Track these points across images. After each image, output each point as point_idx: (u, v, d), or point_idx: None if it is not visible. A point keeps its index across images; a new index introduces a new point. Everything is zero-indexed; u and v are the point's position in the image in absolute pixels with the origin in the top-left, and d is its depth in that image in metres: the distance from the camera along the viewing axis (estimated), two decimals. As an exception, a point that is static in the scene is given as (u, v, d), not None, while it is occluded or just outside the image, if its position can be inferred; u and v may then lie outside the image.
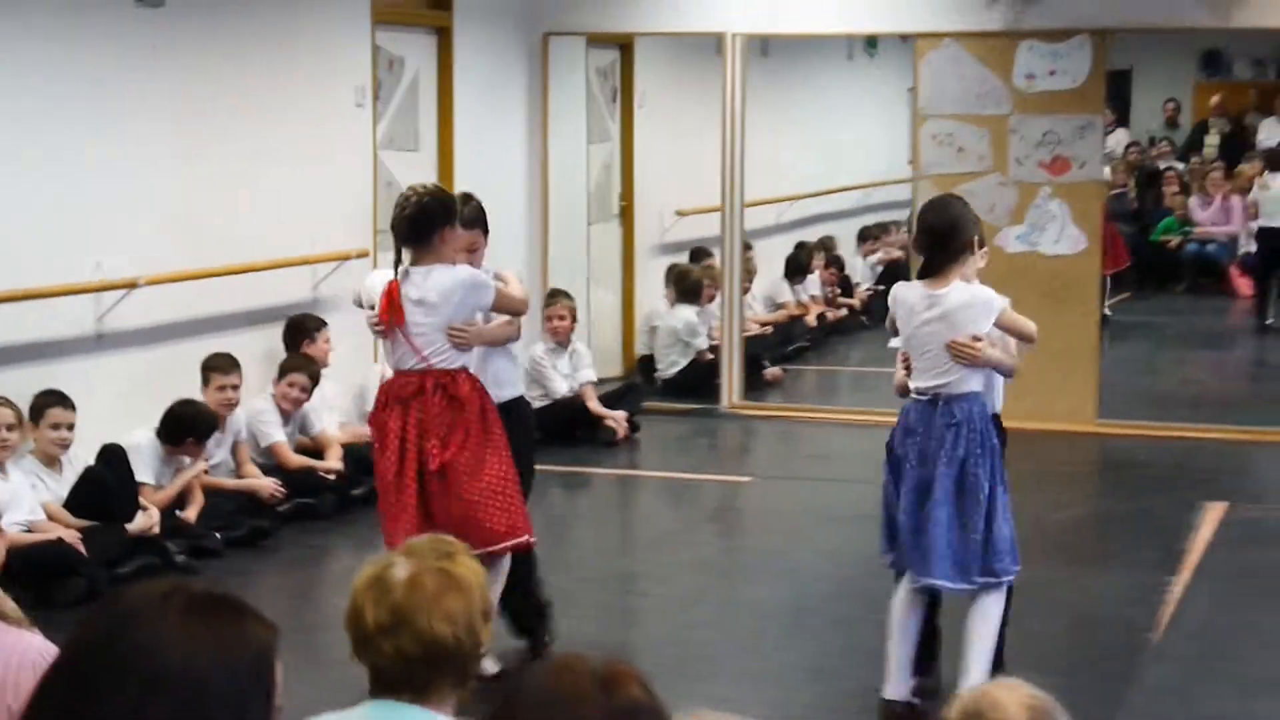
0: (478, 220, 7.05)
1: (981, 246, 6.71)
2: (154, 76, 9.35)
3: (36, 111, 8.66)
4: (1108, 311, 17.04)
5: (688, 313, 13.29)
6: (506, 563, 6.91)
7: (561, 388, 11.73)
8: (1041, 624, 7.82)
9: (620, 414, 11.81)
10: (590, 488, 10.84)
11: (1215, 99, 21.31)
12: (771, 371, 13.84)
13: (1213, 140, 20.84)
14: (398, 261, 6.69)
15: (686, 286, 13.34)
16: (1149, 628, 7.79)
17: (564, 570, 8.40)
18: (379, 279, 6.85)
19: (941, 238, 6.47)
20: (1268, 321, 16.55)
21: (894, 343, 6.69)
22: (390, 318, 6.64)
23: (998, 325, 6.51)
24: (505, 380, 7.18)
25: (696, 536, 9.94)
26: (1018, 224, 12.10)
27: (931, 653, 6.90)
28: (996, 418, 6.74)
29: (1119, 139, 20.19)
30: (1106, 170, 16.50)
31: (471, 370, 6.85)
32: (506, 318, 7.05)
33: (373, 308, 6.78)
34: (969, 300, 6.42)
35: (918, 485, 6.46)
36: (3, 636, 3.46)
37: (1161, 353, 16.39)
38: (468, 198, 7.11)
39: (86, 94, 8.95)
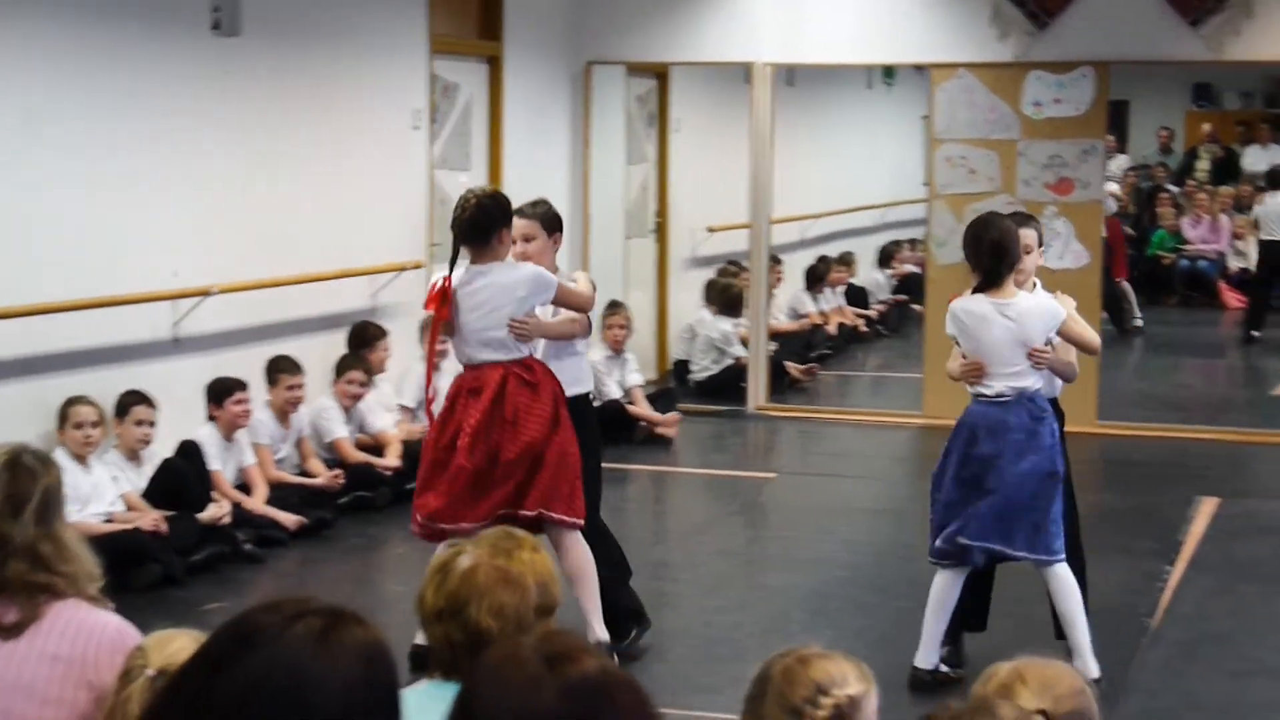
0: (541, 217, 6.81)
1: (1040, 245, 6.77)
2: (227, 100, 9.28)
3: (119, 133, 8.59)
4: (1139, 322, 16.84)
5: (725, 324, 13.17)
6: (581, 542, 6.58)
7: (614, 391, 11.63)
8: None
9: (672, 416, 11.71)
10: (628, 483, 10.72)
11: (1207, 127, 21.18)
12: (800, 368, 13.71)
13: (1204, 165, 20.68)
14: (454, 261, 6.55)
15: (728, 299, 13.21)
16: (1148, 613, 7.68)
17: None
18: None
19: (1002, 251, 6.40)
20: (1254, 334, 16.27)
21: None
22: (440, 312, 6.45)
23: (1060, 334, 6.50)
24: (573, 377, 6.82)
25: (725, 528, 9.82)
26: (1024, 240, 11.96)
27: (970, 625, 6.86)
28: (1055, 401, 6.74)
29: (1120, 163, 20.06)
30: (1116, 187, 16.32)
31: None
32: (571, 314, 6.80)
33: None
34: (1035, 308, 6.45)
35: (1002, 471, 6.42)
36: (85, 616, 3.39)
37: (1156, 360, 16.20)
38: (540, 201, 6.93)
39: (166, 116, 8.87)
